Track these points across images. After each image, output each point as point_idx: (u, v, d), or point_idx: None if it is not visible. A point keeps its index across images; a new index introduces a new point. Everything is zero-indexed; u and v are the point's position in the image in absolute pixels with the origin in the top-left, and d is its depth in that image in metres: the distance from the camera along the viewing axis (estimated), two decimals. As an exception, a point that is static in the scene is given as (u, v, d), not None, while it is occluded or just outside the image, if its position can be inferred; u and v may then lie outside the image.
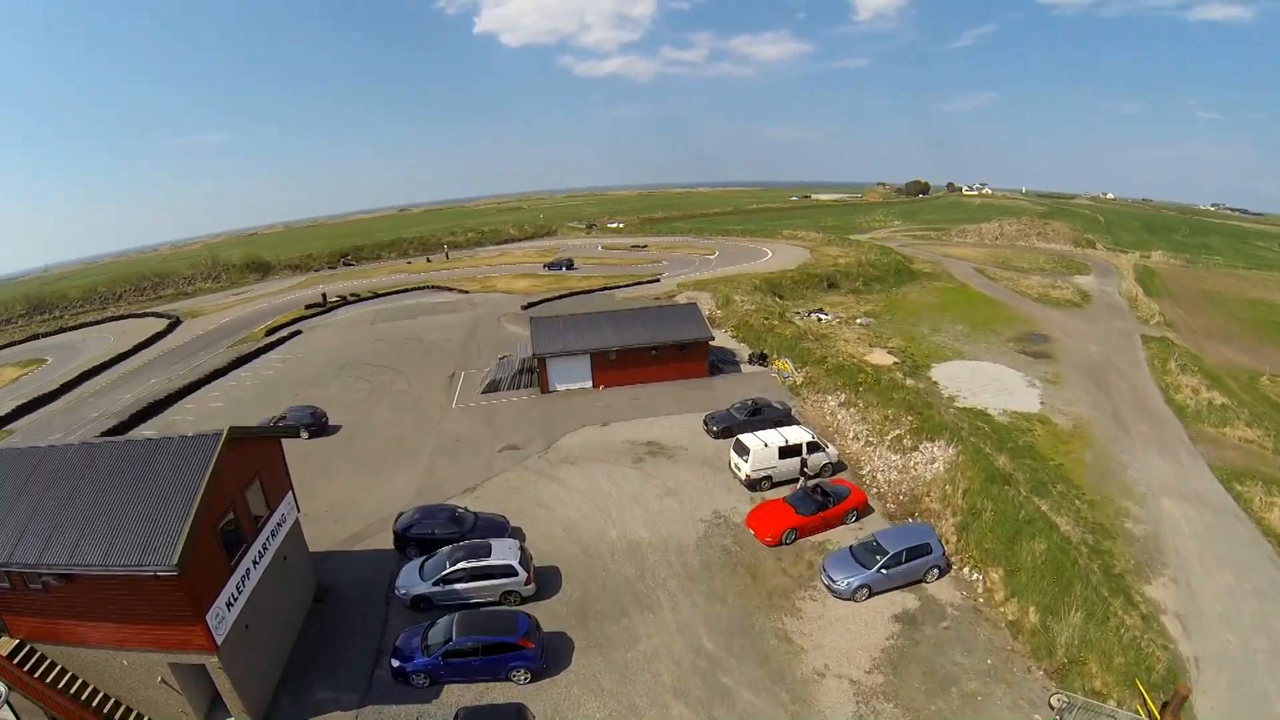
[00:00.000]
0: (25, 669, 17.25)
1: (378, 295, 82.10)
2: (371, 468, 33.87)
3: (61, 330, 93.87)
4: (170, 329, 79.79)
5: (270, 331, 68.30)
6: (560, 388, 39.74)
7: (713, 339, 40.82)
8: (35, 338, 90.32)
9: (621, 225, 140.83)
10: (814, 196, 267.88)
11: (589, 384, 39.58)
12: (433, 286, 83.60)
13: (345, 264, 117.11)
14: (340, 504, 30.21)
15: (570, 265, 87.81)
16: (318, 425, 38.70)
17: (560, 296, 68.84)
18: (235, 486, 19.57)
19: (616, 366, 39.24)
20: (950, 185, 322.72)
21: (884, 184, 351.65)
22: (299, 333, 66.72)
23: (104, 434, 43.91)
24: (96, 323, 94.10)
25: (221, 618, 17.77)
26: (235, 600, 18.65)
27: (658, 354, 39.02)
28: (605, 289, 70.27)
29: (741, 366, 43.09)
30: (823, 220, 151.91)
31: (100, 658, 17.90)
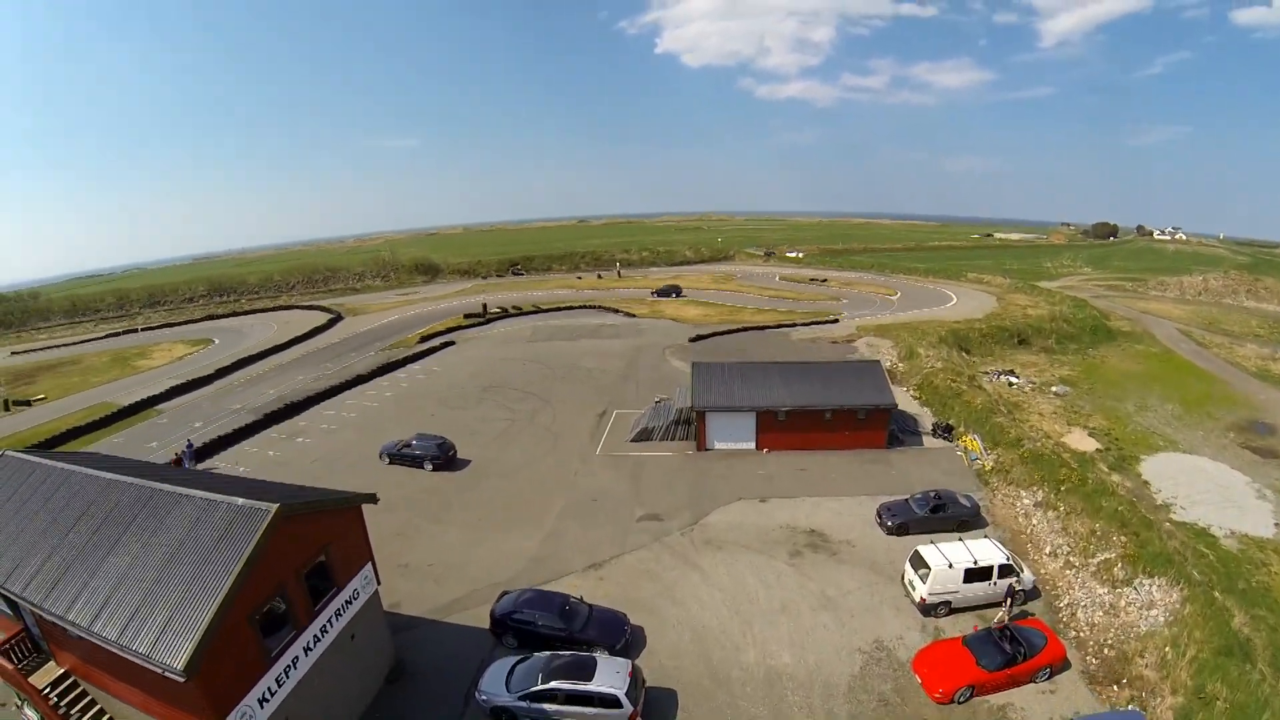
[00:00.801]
0: (67, 700, 19.44)
1: (540, 310, 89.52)
2: (491, 520, 34.43)
3: (234, 314, 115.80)
4: (330, 324, 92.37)
5: (424, 338, 76.46)
6: (719, 446, 40.46)
7: (895, 406, 41.00)
8: (211, 318, 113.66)
9: (800, 255, 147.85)
10: (996, 235, 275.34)
11: (751, 444, 40.24)
12: (598, 306, 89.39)
13: (514, 273, 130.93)
14: (446, 560, 30.72)
15: (678, 293, 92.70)
16: (444, 459, 39.76)
17: (732, 330, 71.01)
18: (286, 569, 19.03)
19: (784, 428, 39.79)
20: (1140, 229, 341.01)
21: (1069, 224, 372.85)
22: (451, 344, 72.81)
23: (237, 431, 49.63)
24: (265, 310, 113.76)
25: (251, 715, 17.50)
26: (273, 695, 18.38)
27: (831, 418, 39.49)
28: (780, 326, 72.44)
29: (924, 438, 42.82)
30: (1006, 262, 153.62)
31: (134, 713, 18.60)
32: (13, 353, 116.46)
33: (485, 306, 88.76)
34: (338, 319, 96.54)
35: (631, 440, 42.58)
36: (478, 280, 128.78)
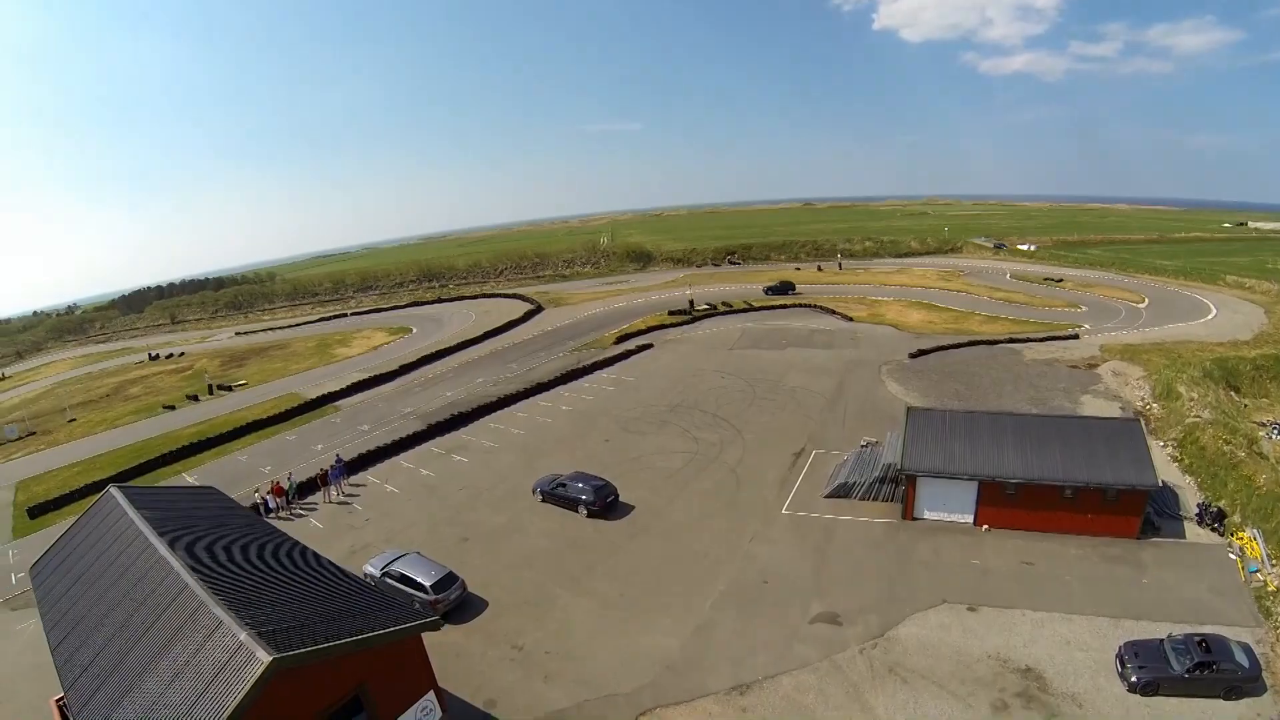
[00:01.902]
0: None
1: (751, 308, 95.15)
2: (635, 596, 34.19)
3: (440, 300, 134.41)
4: (527, 316, 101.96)
5: (621, 339, 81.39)
6: (929, 516, 41.36)
7: (1157, 486, 39.53)
8: (416, 304, 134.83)
9: (1033, 248, 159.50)
10: (1251, 224, 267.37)
11: (969, 518, 40.92)
12: (815, 306, 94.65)
13: (730, 263, 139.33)
14: (567, 648, 30.74)
15: (792, 288, 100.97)
16: (601, 505, 40.09)
17: (957, 345, 74.25)
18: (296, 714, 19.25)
19: (1011, 503, 40.26)
20: None
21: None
22: (649, 347, 76.90)
23: (397, 442, 52.96)
24: (470, 297, 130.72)
25: None
26: None
27: (1072, 496, 39.51)
28: (1012, 340, 75.79)
29: (1185, 524, 40.60)
30: (1268, 259, 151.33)
31: None
32: (236, 333, 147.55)
33: (692, 303, 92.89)
34: (537, 310, 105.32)
35: (826, 495, 42.92)
36: (690, 270, 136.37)
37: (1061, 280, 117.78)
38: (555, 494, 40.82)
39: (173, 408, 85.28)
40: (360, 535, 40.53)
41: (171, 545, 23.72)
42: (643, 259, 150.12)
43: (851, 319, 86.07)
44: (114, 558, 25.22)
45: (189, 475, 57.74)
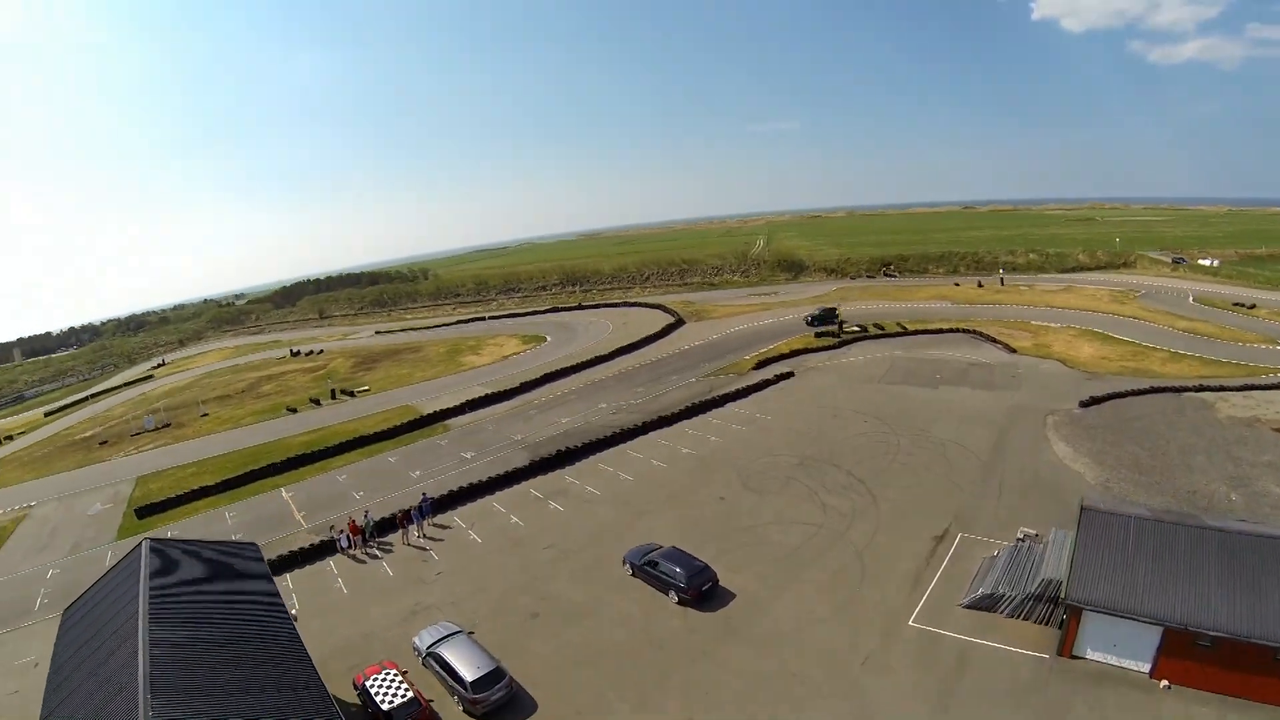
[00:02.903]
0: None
1: (904, 332, 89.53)
2: None
3: (580, 307, 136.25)
4: (666, 331, 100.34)
5: (761, 363, 77.42)
6: (1093, 656, 35.52)
7: None
8: (555, 310, 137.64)
9: (1216, 264, 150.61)
10: None
11: (1145, 667, 35.10)
12: (974, 331, 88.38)
13: (886, 274, 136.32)
14: None
15: (833, 317, 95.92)
16: (694, 594, 36.17)
17: (1136, 392, 66.46)
18: None
19: (1206, 657, 33.53)
20: None
21: None
22: (790, 375, 73.05)
23: (493, 480, 51.19)
24: (610, 305, 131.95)
25: None
26: None
27: None
28: (1201, 388, 67.77)
29: None
30: None
31: None
32: (376, 331, 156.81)
33: (841, 325, 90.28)
34: (677, 324, 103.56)
35: (966, 605, 37.44)
36: (843, 282, 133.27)
37: (1254, 306, 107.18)
38: (646, 570, 36.43)
39: (295, 410, 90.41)
40: (425, 593, 38.35)
41: (151, 625, 23.63)
42: (794, 268, 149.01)
43: (1014, 350, 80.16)
44: (106, 623, 25.84)
45: (286, 491, 60.07)
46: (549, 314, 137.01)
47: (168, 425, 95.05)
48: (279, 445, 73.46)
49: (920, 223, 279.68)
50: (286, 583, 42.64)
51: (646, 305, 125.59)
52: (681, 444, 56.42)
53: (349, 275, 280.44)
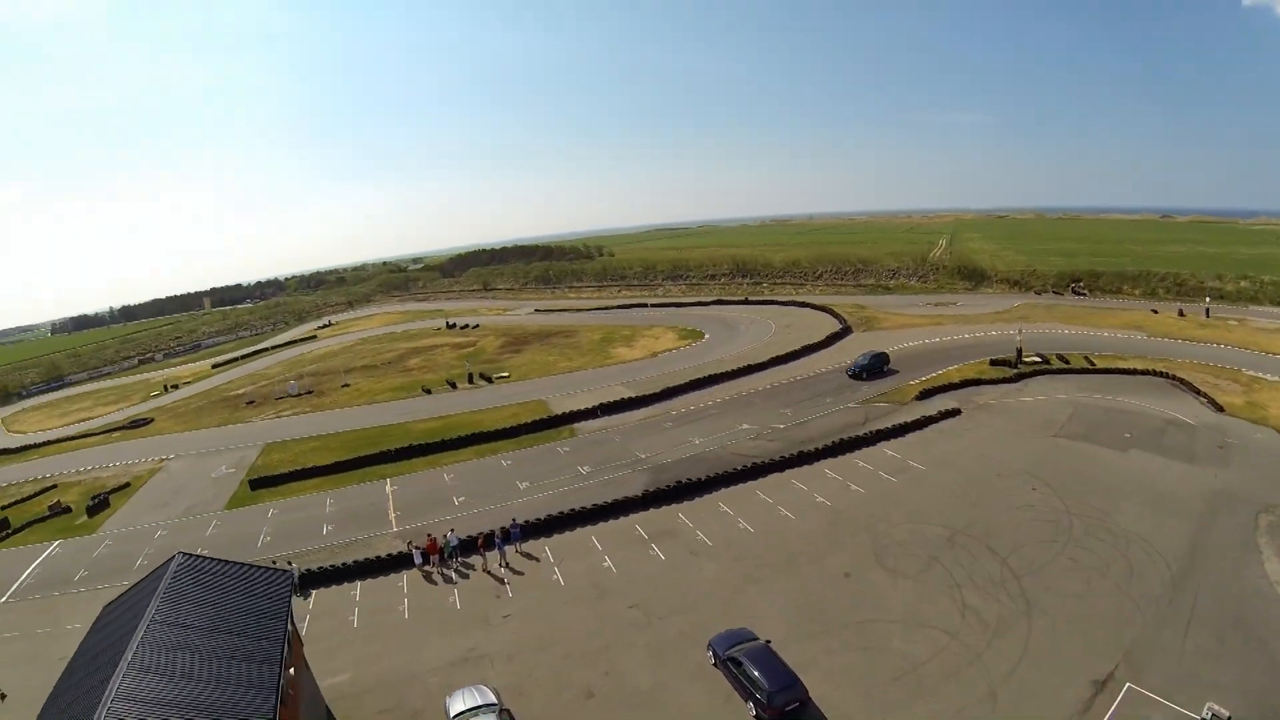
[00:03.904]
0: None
1: (1092, 368, 78.39)
2: None
3: (746, 302, 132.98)
4: (831, 340, 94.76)
5: (925, 393, 70.81)
6: None
7: None
8: (721, 303, 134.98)
9: None
10: None
11: None
12: (1173, 376, 74.62)
13: (1075, 292, 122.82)
14: None
15: (882, 366, 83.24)
16: (773, 710, 30.89)
17: None
18: None
19: None
20: None
21: None
22: (955, 413, 63.30)
23: (598, 509, 48.56)
24: (777, 303, 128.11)
25: None
26: None
27: None
28: None
29: None
30: None
31: None
32: (536, 309, 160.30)
33: (1020, 352, 77.77)
34: (843, 333, 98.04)
35: None
36: (1027, 297, 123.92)
37: None
38: (728, 666, 31.43)
39: (429, 391, 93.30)
40: (484, 638, 36.22)
41: (140, 649, 24.30)
42: (975, 276, 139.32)
43: (1221, 408, 66.40)
44: (116, 635, 26.59)
45: (390, 484, 60.82)
46: (713, 306, 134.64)
47: (309, 392, 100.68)
48: (401, 430, 75.63)
49: (1112, 231, 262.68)
50: (354, 592, 42.68)
51: (814, 306, 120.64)
52: (819, 490, 50.60)
53: (521, 246, 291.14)
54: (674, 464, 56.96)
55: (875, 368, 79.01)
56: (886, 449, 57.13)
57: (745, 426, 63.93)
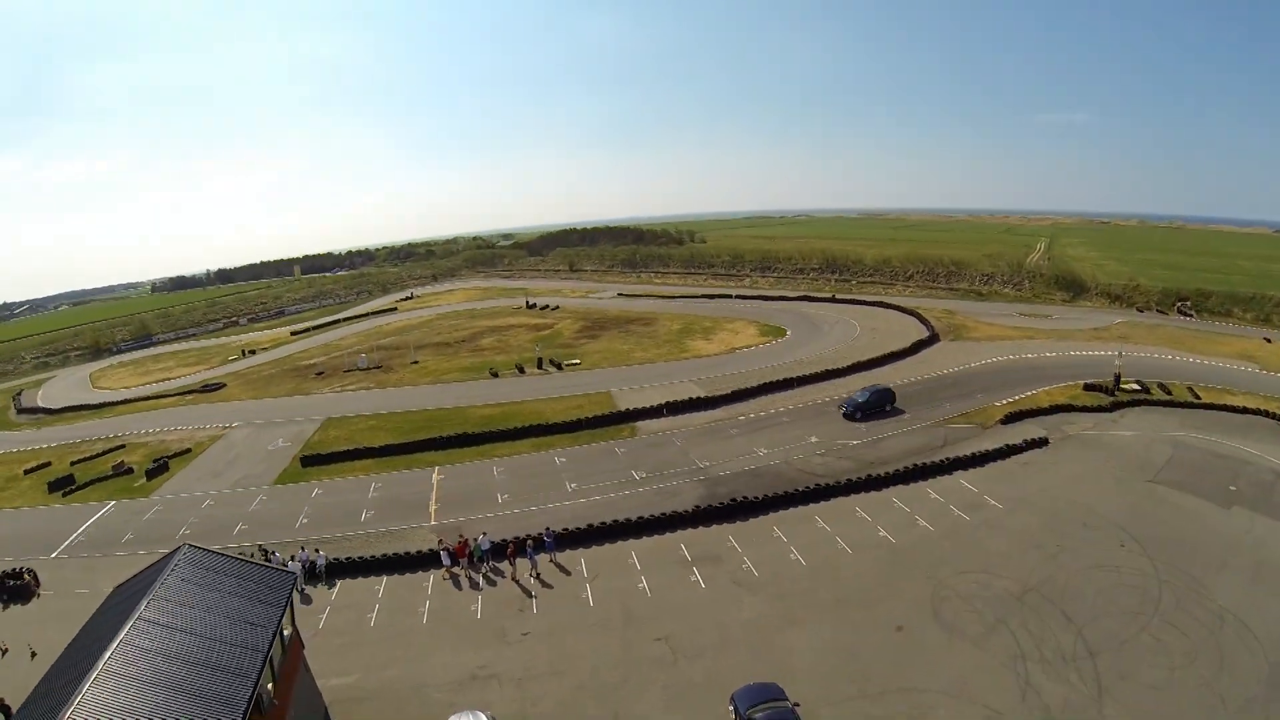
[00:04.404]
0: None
1: (1197, 402, 69.18)
2: None
3: (834, 300, 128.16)
4: (915, 349, 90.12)
5: (1010, 417, 65.40)
6: None
7: None
8: (807, 299, 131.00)
9: None
10: None
11: None
12: None
13: (1181, 313, 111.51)
14: None
15: (886, 402, 74.60)
16: None
17: None
18: None
19: None
20: None
21: None
22: (1042, 443, 55.87)
23: (641, 521, 46.16)
24: (864, 303, 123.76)
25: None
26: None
27: None
28: None
29: None
30: None
31: None
32: (619, 293, 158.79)
33: (1118, 377, 69.10)
34: (929, 341, 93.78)
35: None
36: (1128, 314, 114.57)
37: None
38: None
39: (496, 375, 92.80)
40: (498, 656, 34.70)
41: (119, 651, 24.16)
42: (1073, 287, 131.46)
43: None
44: (105, 627, 26.70)
45: (438, 473, 60.07)
46: (798, 302, 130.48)
47: (378, 367, 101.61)
48: (459, 415, 75.30)
49: (1223, 244, 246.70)
50: (378, 588, 42.01)
51: (902, 309, 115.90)
52: (883, 521, 46.59)
53: (611, 228, 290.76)
54: (733, 476, 54.21)
55: (875, 406, 69.48)
56: (963, 479, 52.73)
57: (814, 439, 60.23)
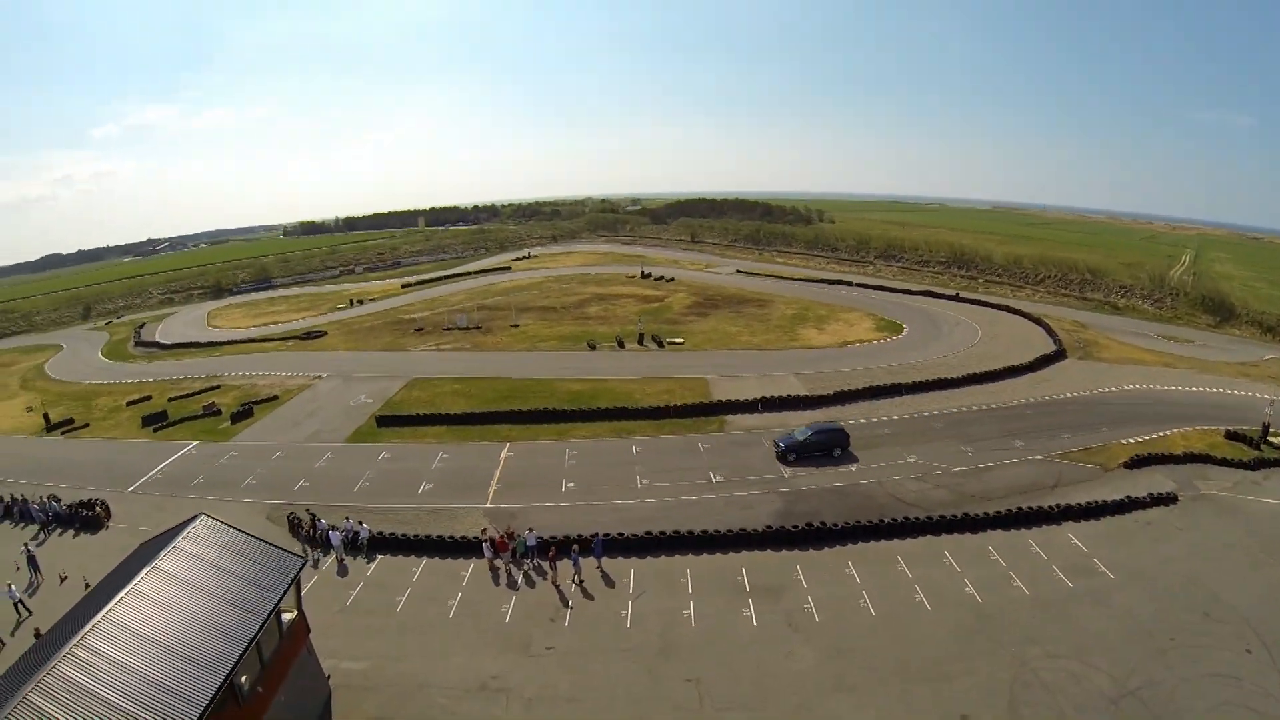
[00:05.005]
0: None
1: None
2: None
3: (957, 298, 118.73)
4: (1037, 365, 79.91)
5: (1135, 461, 56.07)
6: None
7: None
8: (930, 294, 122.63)
9: None
10: None
11: None
12: None
13: None
14: None
15: (836, 443, 61.36)
16: None
17: None
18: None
19: None
20: None
21: None
22: (1170, 500, 47.58)
23: (706, 535, 42.92)
24: (988, 305, 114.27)
25: None
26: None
27: None
28: None
29: None
30: None
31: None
32: (737, 270, 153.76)
33: (1266, 428, 56.98)
34: (1055, 357, 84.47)
35: None
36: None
37: None
38: None
39: (594, 347, 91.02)
40: (515, 668, 32.64)
41: (101, 627, 24.05)
42: (1220, 311, 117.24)
43: None
44: (106, 591, 27.18)
45: (508, 449, 58.69)
46: (920, 297, 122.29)
47: (478, 328, 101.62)
48: (545, 387, 73.91)
49: None
50: (415, 569, 40.93)
51: (1029, 317, 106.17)
52: (972, 573, 40.93)
53: (741, 200, 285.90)
54: (817, 493, 49.59)
55: (819, 448, 57.85)
56: (1072, 534, 45.62)
57: (912, 459, 54.18)
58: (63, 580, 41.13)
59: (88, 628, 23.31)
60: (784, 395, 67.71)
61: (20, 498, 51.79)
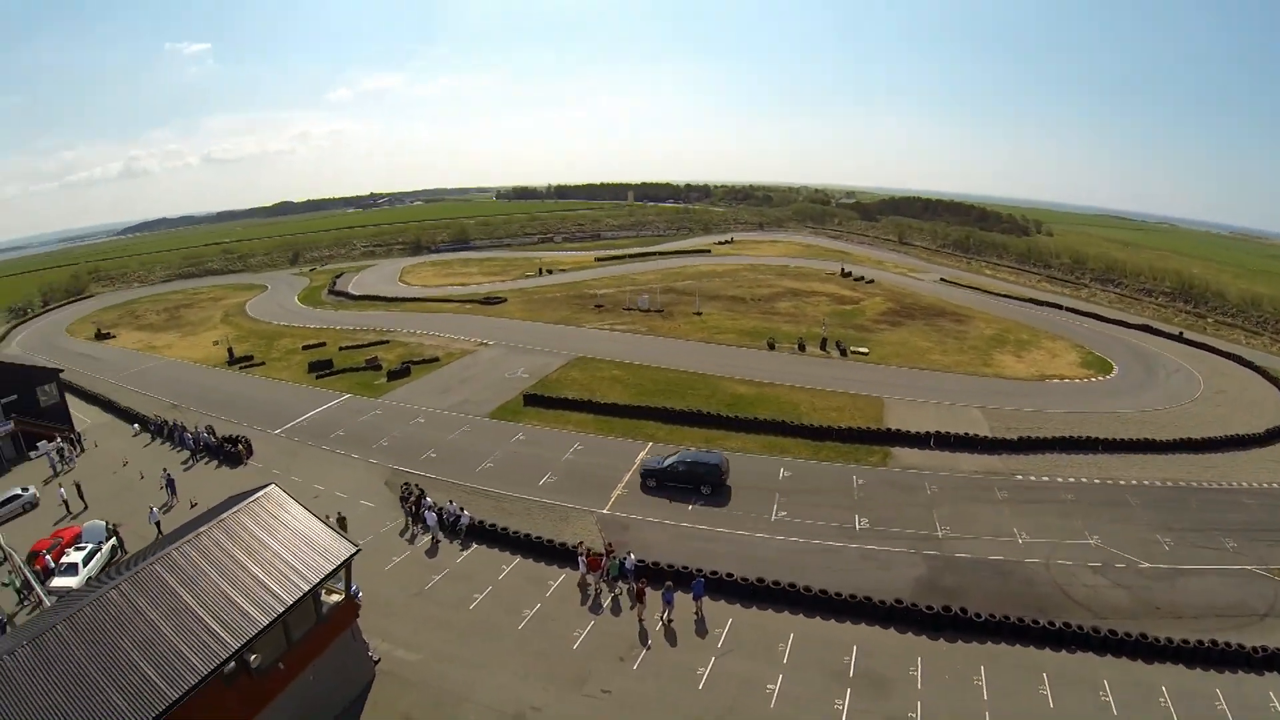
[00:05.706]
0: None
1: None
2: None
3: (1179, 338, 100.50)
4: (1275, 436, 63.13)
5: None
6: None
7: None
8: (1147, 329, 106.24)
9: None
10: None
11: None
12: None
13: None
14: None
15: None
16: None
17: None
18: None
19: None
20: None
21: None
22: None
23: (826, 597, 37.45)
24: (1217, 351, 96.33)
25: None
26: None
27: None
28: None
29: None
30: None
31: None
32: (941, 279, 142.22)
33: None
34: None
35: None
36: None
37: None
38: None
39: (773, 347, 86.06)
40: (556, 702, 30.04)
41: (114, 593, 24.32)
42: None
43: None
44: (180, 534, 28.91)
45: (646, 450, 55.03)
46: (1137, 331, 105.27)
47: (659, 311, 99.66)
48: (707, 385, 70.17)
49: None
50: (505, 567, 39.11)
51: (1263, 373, 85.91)
52: (1129, 718, 31.15)
53: (956, 203, 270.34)
54: (971, 564, 41.20)
55: (685, 480, 49.21)
56: (1275, 694, 33.11)
57: (1094, 541, 43.78)
58: (192, 506, 44.88)
59: (134, 570, 24.85)
60: (962, 433, 58.21)
61: (179, 424, 57.08)
